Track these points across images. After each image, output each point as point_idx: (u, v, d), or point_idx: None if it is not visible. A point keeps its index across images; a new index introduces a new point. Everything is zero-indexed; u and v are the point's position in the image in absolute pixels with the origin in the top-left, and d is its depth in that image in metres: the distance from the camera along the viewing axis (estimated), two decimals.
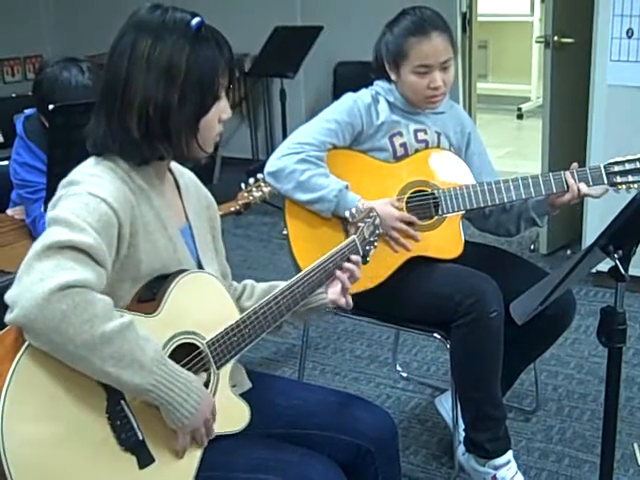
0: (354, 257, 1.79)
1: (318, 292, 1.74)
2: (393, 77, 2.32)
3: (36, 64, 6.65)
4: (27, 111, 2.59)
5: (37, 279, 1.28)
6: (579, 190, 2.20)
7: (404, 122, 2.34)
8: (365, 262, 1.86)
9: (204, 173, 1.78)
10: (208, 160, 1.61)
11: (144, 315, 1.43)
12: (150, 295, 1.48)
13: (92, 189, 1.42)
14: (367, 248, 1.87)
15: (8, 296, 1.29)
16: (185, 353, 1.48)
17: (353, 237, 1.83)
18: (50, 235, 1.34)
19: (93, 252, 1.34)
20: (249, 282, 1.84)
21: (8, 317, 1.28)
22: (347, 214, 1.90)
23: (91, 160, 1.52)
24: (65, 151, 2.16)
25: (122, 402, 1.38)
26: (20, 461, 1.25)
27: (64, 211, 1.38)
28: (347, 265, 1.77)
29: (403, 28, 2.26)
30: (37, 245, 1.33)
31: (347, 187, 2.22)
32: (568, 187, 2.21)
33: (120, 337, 1.32)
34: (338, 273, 1.76)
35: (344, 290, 1.78)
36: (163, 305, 1.45)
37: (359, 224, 1.88)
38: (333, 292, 1.77)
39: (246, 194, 2.62)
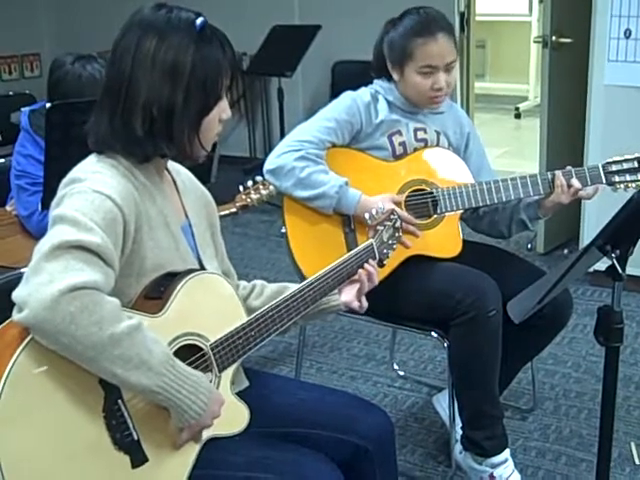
0: (370, 262, 1.77)
1: (330, 293, 1.72)
2: (395, 77, 2.32)
3: (34, 62, 6.65)
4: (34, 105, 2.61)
5: (46, 280, 1.27)
6: (570, 187, 2.19)
7: (404, 121, 2.34)
8: (381, 266, 1.81)
9: (202, 172, 1.77)
10: (205, 159, 1.60)
11: (149, 315, 1.42)
12: (157, 293, 1.47)
13: (96, 186, 1.41)
14: (385, 252, 1.83)
15: (16, 295, 1.29)
16: (188, 355, 1.47)
17: (371, 241, 1.79)
18: (58, 234, 1.33)
19: (101, 252, 1.34)
20: (259, 282, 1.83)
21: (17, 317, 1.28)
22: (366, 216, 1.86)
23: (92, 157, 1.52)
24: (63, 149, 2.16)
25: (119, 401, 1.37)
26: (12, 457, 1.25)
27: (70, 209, 1.37)
28: (367, 266, 1.75)
29: (409, 28, 2.25)
30: (45, 245, 1.32)
31: (347, 183, 2.22)
32: (558, 186, 2.20)
33: (128, 339, 1.31)
34: (360, 272, 1.75)
35: (359, 292, 1.77)
36: (169, 305, 1.45)
37: (378, 227, 1.84)
38: (347, 294, 1.77)
39: (244, 196, 2.60)
